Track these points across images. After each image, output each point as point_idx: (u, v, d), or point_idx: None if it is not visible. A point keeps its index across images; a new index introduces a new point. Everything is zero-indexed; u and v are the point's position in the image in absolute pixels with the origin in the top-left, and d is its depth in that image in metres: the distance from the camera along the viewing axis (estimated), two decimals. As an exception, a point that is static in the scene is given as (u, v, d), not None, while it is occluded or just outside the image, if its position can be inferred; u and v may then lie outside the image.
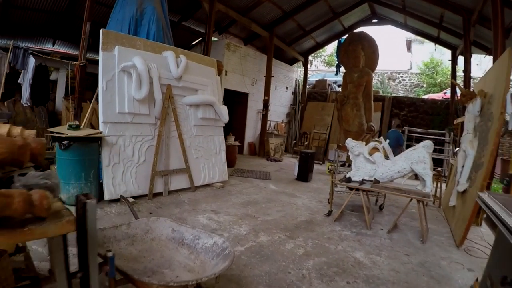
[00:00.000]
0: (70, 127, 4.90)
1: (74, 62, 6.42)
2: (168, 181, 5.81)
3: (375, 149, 5.16)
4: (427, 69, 19.89)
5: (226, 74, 11.16)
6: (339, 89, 15.79)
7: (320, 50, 25.16)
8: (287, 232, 4.46)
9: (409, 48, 22.68)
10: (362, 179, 4.98)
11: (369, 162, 5.04)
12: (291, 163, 11.28)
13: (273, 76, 12.66)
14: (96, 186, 4.97)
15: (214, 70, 6.98)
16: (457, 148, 8.19)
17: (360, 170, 5.10)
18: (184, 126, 6.18)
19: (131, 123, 5.34)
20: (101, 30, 5.35)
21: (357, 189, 4.91)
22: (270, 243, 4.04)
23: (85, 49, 6.19)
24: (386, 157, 5.16)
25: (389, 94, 17.88)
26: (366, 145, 5.23)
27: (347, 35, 13.56)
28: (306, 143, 13.73)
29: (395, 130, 10.54)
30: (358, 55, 12.46)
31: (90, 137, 4.81)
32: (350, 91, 12.74)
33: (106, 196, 4.93)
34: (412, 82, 20.51)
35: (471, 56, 9.52)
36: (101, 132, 5.00)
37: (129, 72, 5.33)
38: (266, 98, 12.45)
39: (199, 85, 6.42)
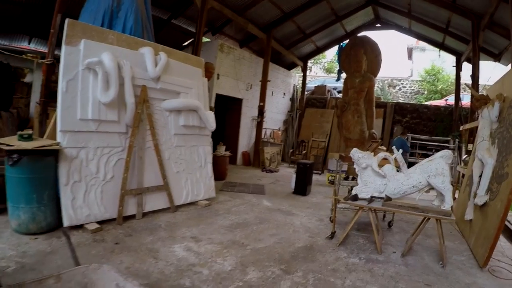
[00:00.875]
0: (21, 137, 4.04)
1: (41, 61, 5.61)
2: (142, 201, 4.93)
3: (385, 160, 4.36)
4: (428, 76, 19.44)
5: (218, 78, 10.38)
6: (339, 95, 15.05)
7: (320, 56, 24.57)
8: (283, 265, 3.60)
9: (410, 56, 22.30)
10: (371, 196, 4.18)
11: (378, 176, 4.22)
12: (288, 174, 10.44)
13: (269, 81, 11.88)
14: (52, 210, 4.07)
15: (201, 71, 6.15)
16: (465, 156, 7.38)
17: (367, 185, 4.29)
18: (163, 135, 5.33)
19: (96, 132, 4.47)
20: (66, 20, 4.52)
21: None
22: (261, 281, 3.19)
23: (54, 45, 5.37)
24: (398, 168, 4.38)
25: (391, 101, 17.19)
26: (374, 155, 4.42)
27: (348, 39, 12.86)
28: (304, 152, 12.91)
29: (400, 137, 9.88)
30: (360, 60, 11.73)
31: (43, 149, 3.95)
32: (351, 97, 11.98)
33: (65, 222, 4.03)
34: (413, 89, 19.98)
35: (479, 61, 8.92)
36: (58, 144, 4.14)
37: (96, 70, 4.50)
38: (262, 104, 11.64)
39: (181, 87, 5.58)
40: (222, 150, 8.65)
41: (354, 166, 4.33)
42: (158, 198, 5.16)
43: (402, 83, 20.28)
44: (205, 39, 12.44)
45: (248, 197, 6.72)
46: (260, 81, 11.77)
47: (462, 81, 12.37)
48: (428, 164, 4.09)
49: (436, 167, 3.99)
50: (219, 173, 8.28)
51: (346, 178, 5.67)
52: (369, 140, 11.85)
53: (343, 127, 12.16)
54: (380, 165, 4.34)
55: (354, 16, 12.61)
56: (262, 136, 12.47)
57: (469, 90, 6.35)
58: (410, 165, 4.87)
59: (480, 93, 5.72)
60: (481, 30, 8.53)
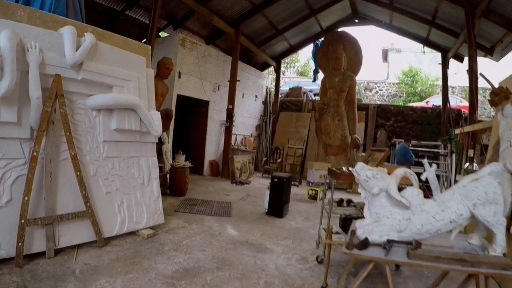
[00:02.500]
0: None
1: None
2: (54, 234, 3.46)
3: (404, 178, 3.00)
4: (406, 78, 18.74)
5: (180, 77, 8.96)
6: (316, 98, 13.95)
7: (293, 59, 23.58)
8: None
9: (385, 58, 21.69)
10: (388, 241, 2.67)
11: (398, 206, 2.77)
12: (261, 187, 9.13)
13: (238, 81, 10.55)
14: None
15: (144, 60, 4.72)
16: (467, 164, 6.35)
17: (381, 221, 2.79)
18: (86, 142, 3.88)
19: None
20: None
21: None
22: None
23: None
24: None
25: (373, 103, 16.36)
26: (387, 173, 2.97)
27: (325, 36, 11.82)
28: (279, 160, 11.63)
29: (403, 144, 8.84)
30: (340, 56, 10.68)
31: None
32: (330, 98, 10.87)
33: None
34: (390, 92, 19.26)
35: (476, 53, 7.97)
36: None
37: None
38: (231, 107, 10.29)
39: (115, 79, 4.14)
40: (181, 160, 7.23)
41: (359, 190, 2.98)
42: (79, 229, 3.69)
43: (379, 86, 19.54)
44: (164, 34, 11.03)
45: (210, 221, 5.29)
46: (228, 81, 10.42)
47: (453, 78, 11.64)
48: (472, 187, 2.68)
49: (486, 191, 2.60)
50: (177, 188, 6.87)
51: (340, 203, 4.28)
52: (352, 147, 10.78)
53: (322, 132, 11.01)
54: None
55: (330, 10, 11.56)
56: (232, 143, 11.11)
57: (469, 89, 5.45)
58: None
59: (499, 86, 4.71)
60: (477, 18, 7.65)
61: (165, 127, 7.70)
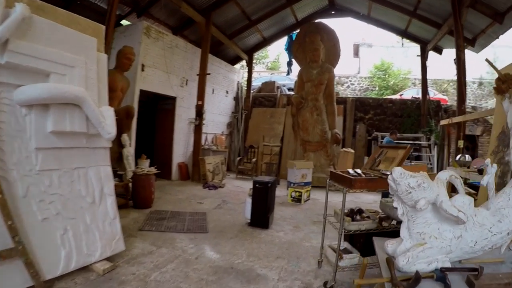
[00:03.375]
0: None
1: None
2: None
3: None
4: (378, 72, 18.59)
5: (143, 70, 7.88)
6: (291, 93, 13.21)
7: (263, 55, 22.81)
8: None
9: (356, 53, 21.43)
10: (441, 270, 1.88)
11: (448, 221, 1.98)
12: (237, 191, 8.29)
13: (209, 74, 9.56)
14: None
15: (95, 42, 3.69)
16: (459, 155, 5.88)
17: (428, 244, 1.97)
18: (12, 151, 2.82)
19: None
20: None
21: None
22: None
23: None
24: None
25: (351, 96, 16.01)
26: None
27: (301, 27, 11.12)
28: (253, 159, 10.80)
29: (388, 138, 8.44)
30: (318, 48, 10.02)
31: None
32: (308, 92, 10.18)
33: None
34: (361, 86, 19.05)
35: (463, 42, 7.72)
36: None
37: None
38: (200, 103, 9.29)
39: (54, 65, 3.09)
40: (145, 166, 6.21)
41: (395, 204, 2.13)
42: (6, 274, 2.64)
43: (350, 80, 19.24)
44: (126, 22, 9.83)
45: (182, 241, 4.35)
46: (197, 74, 9.42)
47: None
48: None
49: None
50: (142, 199, 5.86)
51: (353, 216, 3.35)
52: (332, 142, 10.16)
53: (300, 127, 10.29)
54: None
55: (307, 1, 10.84)
56: (203, 143, 10.14)
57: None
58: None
59: (506, 73, 4.20)
60: (465, 7, 7.34)
61: (126, 128, 6.64)
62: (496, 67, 4.63)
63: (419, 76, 17.66)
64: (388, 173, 3.05)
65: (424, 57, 11.18)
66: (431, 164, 10.03)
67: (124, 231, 3.88)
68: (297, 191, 7.33)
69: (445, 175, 2.11)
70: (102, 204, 3.43)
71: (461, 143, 7.18)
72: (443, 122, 8.77)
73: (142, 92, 7.98)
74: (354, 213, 3.35)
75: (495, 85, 4.56)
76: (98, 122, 3.19)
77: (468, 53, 11.09)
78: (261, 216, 5.19)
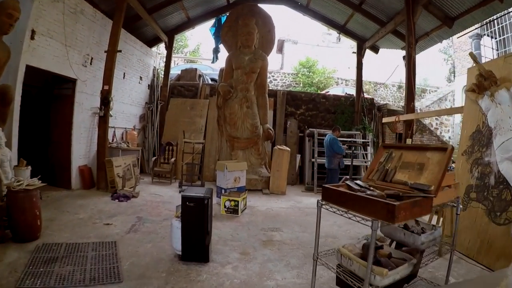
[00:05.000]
0: None
1: None
2: None
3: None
4: (303, 69, 18.41)
5: (33, 38, 5.80)
6: (214, 84, 11.90)
7: (182, 44, 20.84)
8: None
9: (280, 49, 21.13)
10: None
11: None
12: (155, 200, 6.89)
13: (120, 51, 7.66)
14: None
15: None
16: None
17: None
18: None
19: None
20: None
21: None
22: None
23: None
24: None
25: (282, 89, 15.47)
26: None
27: (233, 9, 9.95)
28: (172, 159, 9.28)
29: (330, 135, 8.18)
30: (252, 31, 9.09)
31: None
32: (238, 80, 9.11)
33: None
34: (284, 82, 18.77)
35: (414, 39, 7.73)
36: None
37: None
38: (107, 88, 7.41)
39: None
40: (24, 177, 4.37)
41: None
42: None
43: (273, 76, 18.78)
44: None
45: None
46: (105, 51, 7.51)
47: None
48: None
49: None
50: (23, 227, 4.08)
51: (379, 261, 2.18)
52: (264, 139, 9.25)
53: (227, 121, 9.13)
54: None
55: (241, -18, 9.70)
56: (110, 140, 8.26)
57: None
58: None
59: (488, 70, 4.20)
60: (420, 5, 7.30)
61: (0, 119, 4.68)
62: (480, 63, 4.50)
63: (344, 76, 18.30)
64: (427, 187, 2.16)
65: (360, 54, 11.19)
66: (365, 162, 10.01)
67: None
68: (232, 200, 6.17)
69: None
70: None
71: (409, 141, 7.27)
72: (386, 119, 8.68)
73: (30, 70, 5.88)
74: (381, 261, 2.29)
75: (475, 82, 4.26)
76: None
77: (395, 56, 11.59)
78: (197, 245, 3.87)
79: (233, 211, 6.14)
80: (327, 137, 8.19)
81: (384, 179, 2.62)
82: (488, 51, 12.46)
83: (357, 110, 11.25)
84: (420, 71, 9.48)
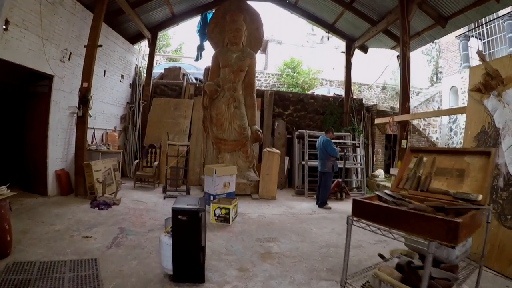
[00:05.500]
0: None
1: None
2: None
3: None
4: (287, 69, 18.14)
5: (6, 29, 5.24)
6: (199, 84, 11.44)
7: (164, 43, 20.21)
8: None
9: (264, 49, 20.73)
10: None
11: None
12: (138, 208, 6.46)
13: (100, 46, 7.13)
14: None
15: None
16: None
17: None
18: None
19: None
20: None
21: None
22: None
23: None
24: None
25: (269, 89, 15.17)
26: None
27: (219, 5, 9.58)
28: (155, 162, 8.78)
29: (323, 136, 7.79)
30: (240, 28, 8.76)
31: None
32: (225, 79, 8.74)
33: None
34: (268, 83, 18.48)
35: (409, 37, 7.59)
36: None
37: None
38: (86, 85, 6.88)
39: None
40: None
41: None
42: None
43: (257, 76, 18.43)
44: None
45: None
46: (85, 46, 6.96)
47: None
48: None
49: None
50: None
51: (409, 278, 1.84)
52: (252, 141, 8.91)
53: (214, 122, 8.74)
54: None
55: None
56: (89, 142, 7.71)
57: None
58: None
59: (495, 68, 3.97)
60: (415, 4, 7.18)
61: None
62: (487, 62, 4.36)
63: (328, 77, 18.15)
64: (474, 197, 1.88)
65: (349, 54, 11.01)
66: (355, 164, 9.88)
67: None
68: (223, 208, 5.76)
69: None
70: None
71: (404, 143, 7.12)
72: (379, 120, 8.48)
73: (5, 66, 5.33)
74: (410, 273, 1.97)
75: (480, 81, 4.11)
76: None
77: (380, 56, 11.49)
78: (191, 264, 3.47)
79: (224, 219, 5.74)
80: (320, 139, 7.81)
81: (418, 188, 2.30)
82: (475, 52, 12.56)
83: (346, 111, 11.07)
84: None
